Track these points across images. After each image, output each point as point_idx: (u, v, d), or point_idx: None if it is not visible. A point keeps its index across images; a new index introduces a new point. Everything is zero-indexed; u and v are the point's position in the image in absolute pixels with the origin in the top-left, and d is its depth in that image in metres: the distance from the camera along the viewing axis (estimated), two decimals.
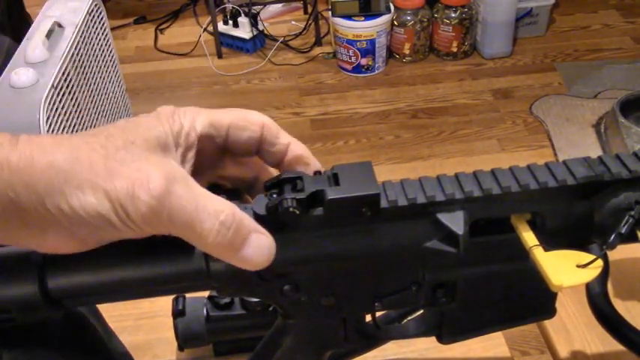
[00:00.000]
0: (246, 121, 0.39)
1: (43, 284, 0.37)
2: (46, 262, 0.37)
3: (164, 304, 0.64)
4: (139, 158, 0.33)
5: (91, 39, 1.50)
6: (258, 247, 0.35)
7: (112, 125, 0.35)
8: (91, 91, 1.50)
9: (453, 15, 2.38)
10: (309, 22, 2.62)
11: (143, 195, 0.32)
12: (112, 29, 1.88)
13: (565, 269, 0.37)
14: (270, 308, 0.60)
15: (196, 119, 0.38)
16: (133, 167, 0.33)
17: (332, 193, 0.37)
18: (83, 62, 1.45)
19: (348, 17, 2.34)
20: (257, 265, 0.35)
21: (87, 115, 1.44)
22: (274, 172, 0.42)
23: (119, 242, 0.39)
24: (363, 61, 2.39)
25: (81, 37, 1.43)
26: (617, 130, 1.89)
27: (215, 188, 0.40)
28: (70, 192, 0.32)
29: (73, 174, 0.32)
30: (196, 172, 0.38)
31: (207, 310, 0.61)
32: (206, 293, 0.62)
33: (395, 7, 2.39)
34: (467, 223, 0.38)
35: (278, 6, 2.75)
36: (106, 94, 1.61)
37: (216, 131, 0.38)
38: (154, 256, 0.38)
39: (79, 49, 1.42)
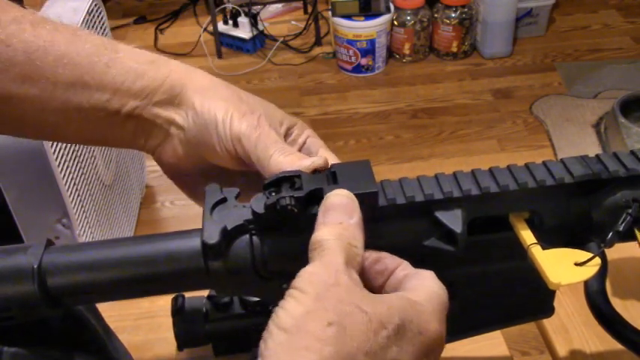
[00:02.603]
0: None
1: (43, 283, 0.37)
2: (45, 261, 0.37)
3: (164, 303, 0.64)
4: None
5: None
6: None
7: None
8: None
9: (453, 15, 2.38)
10: (309, 22, 2.62)
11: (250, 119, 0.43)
12: (112, 29, 1.89)
13: (563, 267, 0.37)
14: (270, 307, 0.60)
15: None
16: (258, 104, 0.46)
17: (330, 191, 0.37)
18: None
19: (348, 17, 2.34)
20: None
21: None
22: None
23: (118, 241, 0.39)
24: (363, 61, 2.39)
25: None
26: (617, 130, 1.89)
27: None
28: (207, 98, 0.45)
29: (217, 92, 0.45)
30: None
31: (206, 310, 0.60)
32: (206, 293, 0.62)
33: (395, 7, 2.39)
34: (465, 222, 0.38)
35: (278, 6, 2.75)
36: None
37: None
38: (153, 256, 0.38)
39: None
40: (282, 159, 0.41)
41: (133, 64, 0.46)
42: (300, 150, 0.46)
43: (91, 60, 0.45)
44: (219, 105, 0.44)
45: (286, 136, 0.46)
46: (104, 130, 0.47)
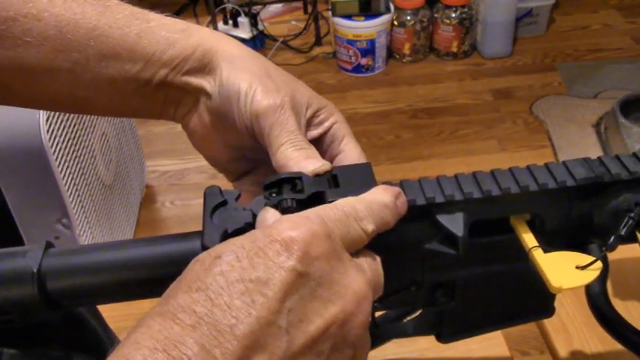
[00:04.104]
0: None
1: (43, 286, 0.37)
2: (44, 264, 0.37)
3: None
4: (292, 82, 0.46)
5: None
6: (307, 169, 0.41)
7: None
8: None
9: (453, 15, 2.38)
10: (309, 22, 2.62)
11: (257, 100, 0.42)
12: None
13: (564, 271, 0.37)
14: None
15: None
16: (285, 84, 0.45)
17: (332, 195, 0.37)
18: None
19: (348, 17, 2.34)
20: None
21: (87, 115, 1.44)
22: None
23: (117, 243, 0.39)
24: (363, 61, 2.39)
25: None
26: (617, 130, 1.89)
27: None
28: (234, 69, 0.44)
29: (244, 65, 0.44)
30: None
31: None
32: None
33: (395, 7, 2.39)
34: (466, 225, 0.38)
35: (278, 6, 2.75)
36: None
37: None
38: (153, 259, 0.38)
39: None
40: (290, 153, 0.41)
41: (164, 33, 0.46)
42: (325, 134, 0.46)
43: (122, 31, 0.45)
44: (244, 77, 0.43)
45: (313, 117, 0.46)
46: (136, 102, 0.46)
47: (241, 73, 0.44)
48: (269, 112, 0.42)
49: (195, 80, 0.45)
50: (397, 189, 0.37)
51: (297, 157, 0.40)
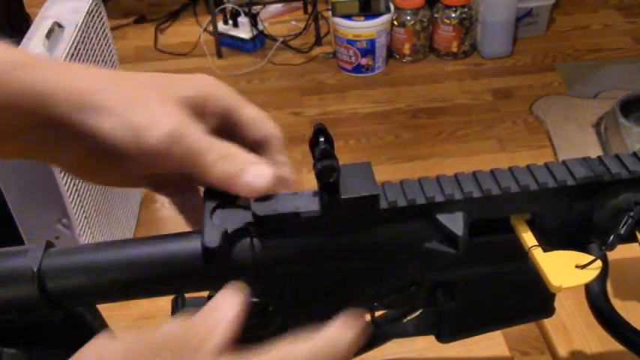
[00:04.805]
0: (262, 126, 0.43)
1: (43, 285, 0.37)
2: (45, 263, 0.37)
3: (164, 304, 0.64)
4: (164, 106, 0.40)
5: (91, 39, 1.50)
6: (256, 175, 0.39)
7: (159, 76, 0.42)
8: None
9: (453, 15, 2.39)
10: (309, 22, 2.62)
11: (155, 131, 0.38)
12: (112, 29, 1.88)
13: (564, 270, 0.37)
14: (270, 308, 0.60)
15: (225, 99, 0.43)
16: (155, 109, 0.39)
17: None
18: (83, 62, 1.45)
19: (348, 17, 2.34)
20: (257, 190, 0.38)
21: None
22: None
23: (118, 242, 0.39)
24: (363, 61, 2.39)
25: (81, 37, 1.43)
26: (617, 130, 1.89)
27: None
28: (100, 111, 0.39)
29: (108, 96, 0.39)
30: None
31: None
32: (206, 293, 0.62)
33: (395, 7, 2.39)
34: (466, 224, 0.38)
35: (278, 6, 2.75)
36: None
37: (231, 121, 0.43)
38: (153, 258, 0.38)
39: (79, 49, 1.42)
40: (227, 167, 0.39)
41: (49, 72, 0.40)
42: (221, 123, 0.42)
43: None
44: (139, 112, 0.39)
45: (204, 117, 0.41)
46: (19, 143, 0.42)
47: (133, 108, 0.39)
48: (173, 143, 0.38)
49: (83, 120, 0.40)
50: (362, 321, 0.37)
51: (237, 170, 0.39)
